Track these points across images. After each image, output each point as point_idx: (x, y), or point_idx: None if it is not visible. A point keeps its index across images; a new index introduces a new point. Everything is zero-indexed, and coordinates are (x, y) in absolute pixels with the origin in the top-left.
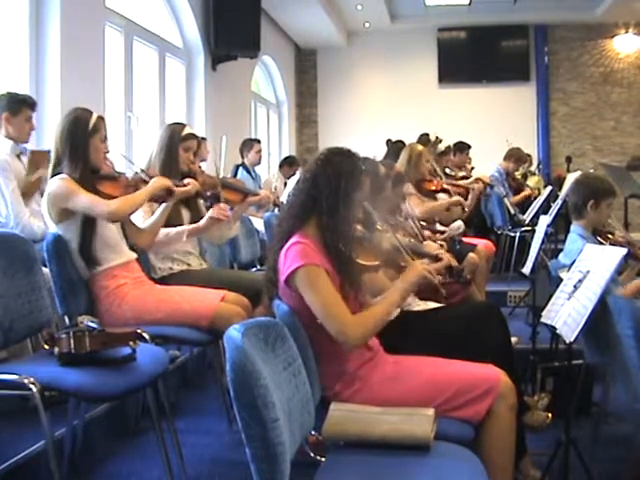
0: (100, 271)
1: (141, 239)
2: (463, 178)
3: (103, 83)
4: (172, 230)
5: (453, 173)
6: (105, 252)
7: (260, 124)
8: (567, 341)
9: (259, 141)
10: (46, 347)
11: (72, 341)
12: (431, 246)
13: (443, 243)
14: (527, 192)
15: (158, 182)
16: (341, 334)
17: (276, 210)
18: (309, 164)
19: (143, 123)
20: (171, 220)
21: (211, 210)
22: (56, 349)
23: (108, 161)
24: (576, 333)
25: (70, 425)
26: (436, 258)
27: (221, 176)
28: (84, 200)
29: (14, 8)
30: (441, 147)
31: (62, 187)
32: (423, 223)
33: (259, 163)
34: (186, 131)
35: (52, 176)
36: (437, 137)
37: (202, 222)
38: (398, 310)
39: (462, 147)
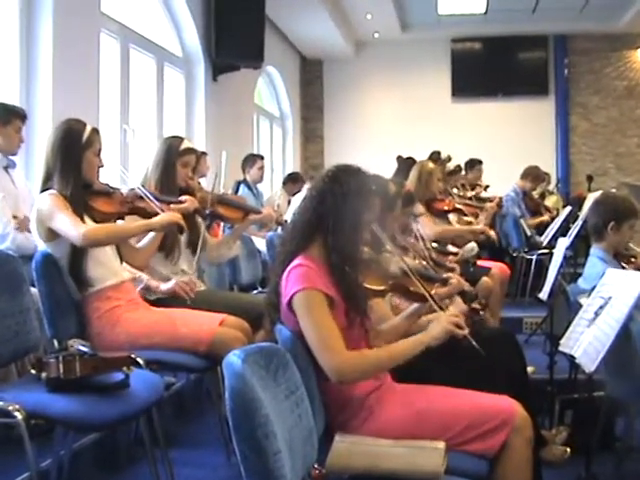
0: (92, 292)
1: (135, 259)
2: (473, 199)
3: (97, 93)
4: (138, 274)
5: (461, 193)
6: (97, 272)
7: (263, 138)
8: (587, 371)
9: (262, 157)
10: (33, 372)
11: (61, 366)
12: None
13: (455, 266)
14: (545, 217)
15: (164, 218)
16: (332, 370)
17: (279, 229)
18: (316, 181)
19: (139, 136)
20: (167, 239)
21: (175, 282)
22: (44, 374)
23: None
24: (597, 363)
25: (57, 455)
26: (446, 282)
27: (221, 192)
28: (62, 221)
29: (3, 12)
30: (450, 166)
31: (48, 204)
32: (435, 245)
33: (261, 180)
34: (184, 145)
35: (42, 191)
36: (448, 155)
37: (164, 287)
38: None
39: (473, 163)
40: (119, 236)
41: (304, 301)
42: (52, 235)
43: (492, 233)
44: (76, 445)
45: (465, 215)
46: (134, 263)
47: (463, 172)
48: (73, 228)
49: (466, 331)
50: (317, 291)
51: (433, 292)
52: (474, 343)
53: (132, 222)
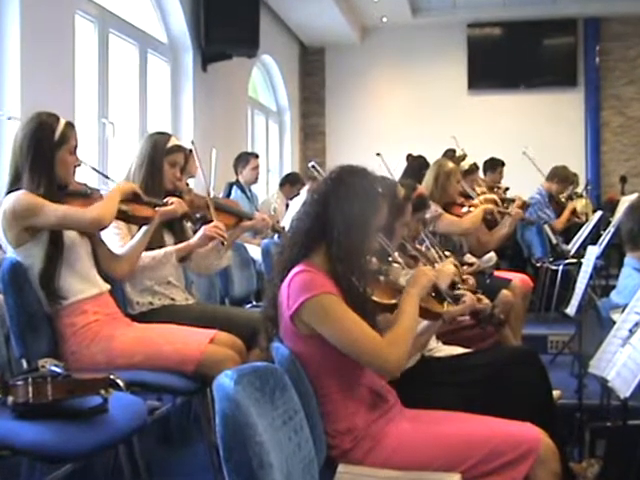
0: (66, 305)
1: (117, 268)
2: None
3: (73, 84)
4: (159, 252)
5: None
6: (72, 282)
7: (258, 135)
8: (621, 396)
9: (256, 155)
10: None
11: (30, 389)
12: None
13: (469, 277)
14: (569, 208)
15: (123, 185)
16: (378, 360)
17: (275, 236)
18: (318, 184)
19: (120, 131)
20: (152, 246)
21: (205, 227)
22: (10, 398)
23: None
24: (633, 387)
25: None
26: (457, 299)
27: (211, 195)
28: (57, 211)
29: None
30: (465, 165)
31: (25, 202)
32: (448, 253)
33: (256, 181)
34: (172, 142)
35: (7, 193)
36: (463, 153)
37: (194, 239)
38: (418, 355)
39: (494, 164)
40: (114, 209)
41: (319, 308)
42: (25, 238)
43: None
44: (47, 479)
45: (488, 221)
46: (115, 272)
47: (481, 172)
48: (79, 213)
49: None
50: (329, 294)
51: (445, 309)
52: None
53: (109, 196)
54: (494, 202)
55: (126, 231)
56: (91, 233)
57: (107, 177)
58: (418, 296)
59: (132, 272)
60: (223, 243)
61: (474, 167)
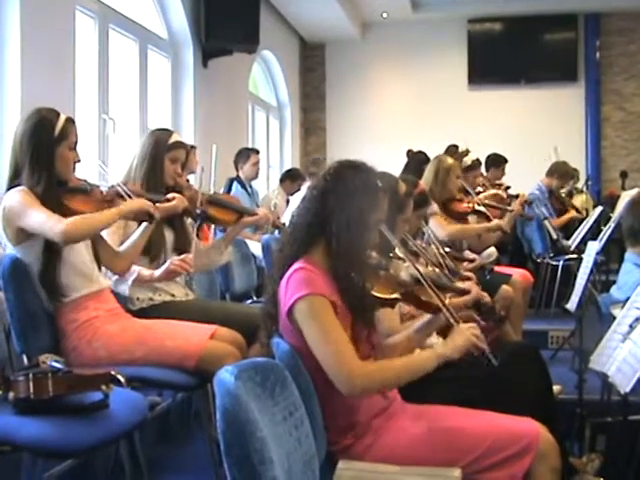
0: (67, 302)
1: (116, 264)
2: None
3: (73, 79)
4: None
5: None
6: (73, 279)
7: (258, 131)
8: (622, 392)
9: (257, 151)
10: None
11: (31, 384)
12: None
13: (470, 274)
14: (571, 214)
15: (134, 203)
16: (342, 380)
17: (276, 232)
18: (317, 179)
19: (121, 127)
20: (152, 242)
21: (169, 261)
22: (11, 394)
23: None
24: (633, 382)
25: None
26: (462, 292)
27: (212, 191)
28: (36, 218)
29: None
30: (467, 161)
31: (17, 201)
32: (448, 250)
33: (257, 176)
34: (173, 139)
35: (8, 189)
36: (466, 148)
37: (158, 272)
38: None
39: (497, 161)
40: (98, 227)
41: (308, 308)
42: (22, 237)
43: (504, 224)
44: (47, 474)
45: (488, 218)
46: (115, 268)
47: (483, 168)
48: (51, 224)
49: (485, 346)
50: (322, 297)
51: (447, 302)
52: (492, 359)
53: (104, 212)
54: (496, 199)
55: (122, 229)
56: None
57: (105, 168)
58: (443, 358)
59: (131, 268)
60: (189, 272)
61: (477, 163)
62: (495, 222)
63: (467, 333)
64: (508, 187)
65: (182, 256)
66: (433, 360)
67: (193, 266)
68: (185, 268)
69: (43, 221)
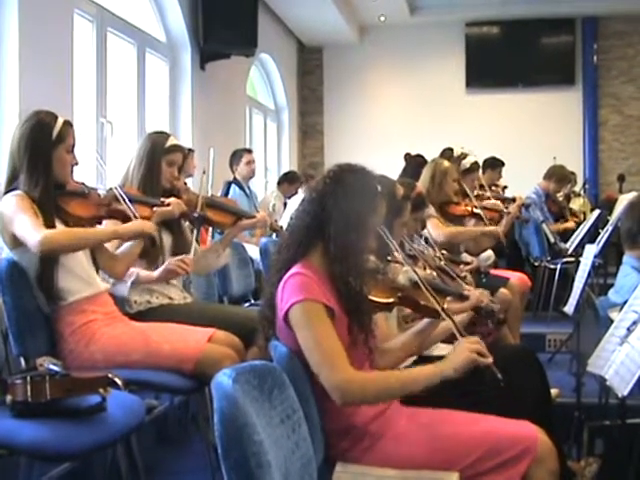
0: (64, 305)
1: (114, 268)
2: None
3: (71, 82)
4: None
5: (480, 193)
6: (70, 283)
7: (256, 134)
8: (620, 395)
9: (250, 150)
10: None
11: (29, 387)
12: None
13: (467, 275)
14: (568, 224)
15: (134, 226)
16: (334, 389)
17: (274, 235)
18: (316, 182)
19: (118, 131)
20: (150, 246)
21: (169, 260)
22: (8, 397)
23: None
24: (630, 386)
25: None
26: (461, 296)
27: (209, 194)
28: (21, 224)
29: None
30: (466, 163)
31: (11, 206)
32: (444, 252)
33: (253, 175)
34: (171, 142)
35: (5, 192)
36: (462, 152)
37: (157, 272)
38: (414, 357)
39: (494, 164)
40: (82, 243)
41: (302, 313)
42: (18, 241)
43: (501, 230)
44: (45, 478)
45: (484, 221)
46: (112, 272)
47: (481, 171)
48: (31, 232)
49: (490, 360)
50: (317, 302)
51: (445, 306)
52: (498, 374)
53: (99, 228)
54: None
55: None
56: None
57: (103, 163)
58: (441, 375)
59: (127, 273)
60: (187, 273)
61: (475, 166)
62: (492, 228)
63: (467, 350)
64: (505, 187)
65: (181, 256)
66: (437, 377)
67: (195, 265)
68: (184, 268)
69: (25, 228)
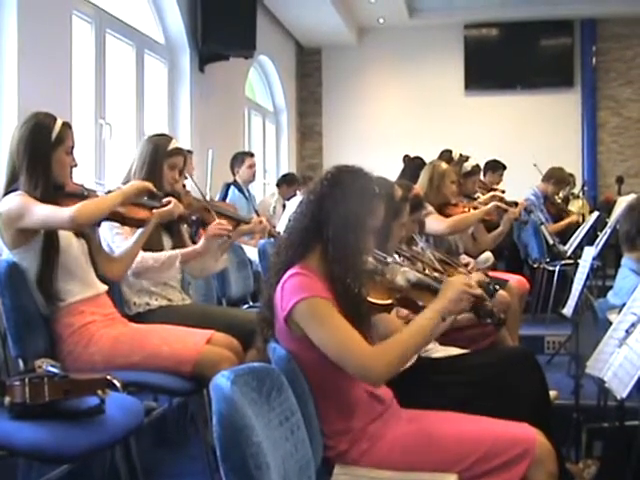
0: (63, 306)
1: (112, 269)
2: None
3: (70, 84)
4: (161, 255)
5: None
6: (69, 284)
7: (255, 136)
8: (618, 397)
9: (252, 154)
10: None
11: (27, 389)
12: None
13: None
14: (571, 219)
15: (135, 185)
16: (361, 368)
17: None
18: (314, 184)
19: (117, 132)
20: (152, 248)
21: (208, 227)
22: (7, 399)
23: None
24: (629, 388)
25: None
26: None
27: (208, 198)
28: (41, 211)
29: None
30: (467, 166)
31: (15, 204)
32: (438, 255)
33: (253, 179)
34: (172, 145)
35: (5, 194)
36: (461, 155)
37: (199, 244)
38: (415, 357)
39: (496, 166)
40: (104, 209)
41: (309, 310)
42: (19, 241)
43: (504, 206)
44: (43, 479)
45: (485, 222)
46: (111, 273)
47: (482, 173)
48: (58, 212)
49: (479, 290)
50: (320, 298)
51: None
52: (493, 309)
53: (107, 196)
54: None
55: (129, 231)
56: (88, 236)
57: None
58: (439, 313)
59: (125, 274)
60: (229, 237)
61: (476, 169)
62: (493, 203)
63: (457, 284)
64: (503, 191)
65: (216, 221)
66: (436, 317)
67: (192, 268)
68: (224, 228)
69: (49, 213)
